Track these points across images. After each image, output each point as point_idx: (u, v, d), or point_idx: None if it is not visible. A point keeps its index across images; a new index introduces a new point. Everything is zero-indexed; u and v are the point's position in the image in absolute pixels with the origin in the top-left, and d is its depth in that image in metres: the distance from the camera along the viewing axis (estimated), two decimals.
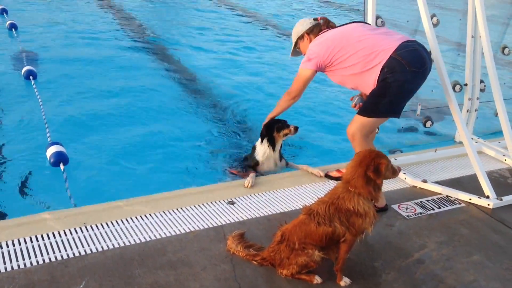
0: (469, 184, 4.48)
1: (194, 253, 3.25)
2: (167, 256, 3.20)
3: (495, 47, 5.43)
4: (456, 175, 4.74)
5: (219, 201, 3.97)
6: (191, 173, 5.21)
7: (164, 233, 3.46)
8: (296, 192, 4.22)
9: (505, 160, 5.06)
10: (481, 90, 5.27)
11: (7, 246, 3.20)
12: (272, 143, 4.68)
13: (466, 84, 5.18)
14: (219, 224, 3.63)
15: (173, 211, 3.77)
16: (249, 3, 16.86)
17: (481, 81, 5.23)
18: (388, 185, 4.34)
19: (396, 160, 4.78)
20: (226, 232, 3.48)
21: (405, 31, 4.47)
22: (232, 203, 3.97)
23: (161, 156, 5.59)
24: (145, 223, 3.57)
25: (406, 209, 4.04)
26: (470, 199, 4.21)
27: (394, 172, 3.06)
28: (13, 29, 10.51)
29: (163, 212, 3.74)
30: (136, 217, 3.64)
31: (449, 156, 5.14)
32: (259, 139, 4.76)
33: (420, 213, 3.99)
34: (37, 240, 3.28)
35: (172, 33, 12.13)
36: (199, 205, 3.89)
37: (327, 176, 4.54)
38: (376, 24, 4.40)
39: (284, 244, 3.01)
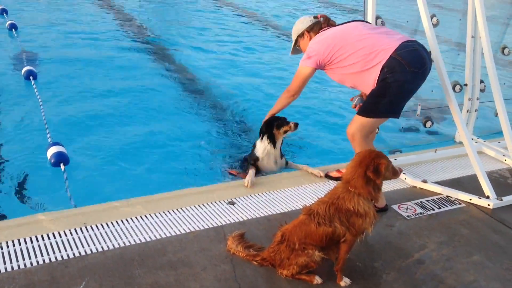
0: (469, 184, 4.48)
1: (194, 254, 3.25)
2: (167, 257, 3.20)
3: (495, 47, 5.44)
4: (456, 175, 4.74)
5: (219, 201, 3.97)
6: (191, 174, 5.21)
7: (164, 234, 3.46)
8: (296, 193, 4.23)
9: (505, 160, 5.06)
10: (481, 91, 5.27)
11: (7, 246, 3.21)
12: (272, 140, 4.66)
13: (466, 84, 5.18)
14: (219, 224, 3.63)
15: (173, 211, 3.77)
16: (249, 4, 16.85)
17: (481, 81, 5.23)
18: (388, 185, 4.34)
19: (396, 160, 4.78)
20: (226, 233, 3.48)
21: (405, 31, 4.48)
22: (232, 203, 3.97)
23: (161, 156, 5.59)
24: (145, 224, 3.58)
25: (406, 209, 4.04)
26: (470, 199, 4.21)
27: (394, 173, 3.05)
28: (13, 29, 10.51)
29: (163, 212, 3.74)
30: (136, 218, 3.64)
31: (449, 156, 5.14)
32: (260, 137, 4.75)
33: (420, 213, 3.99)
34: (37, 241, 3.28)
35: (172, 33, 12.13)
36: (199, 205, 3.89)
37: (327, 176, 4.54)
38: (376, 24, 4.40)
39: (284, 245, 3.01)
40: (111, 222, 3.55)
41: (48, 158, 5.00)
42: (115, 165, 5.33)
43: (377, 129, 4.45)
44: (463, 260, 3.42)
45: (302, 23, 4.15)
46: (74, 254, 3.17)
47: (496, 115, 4.89)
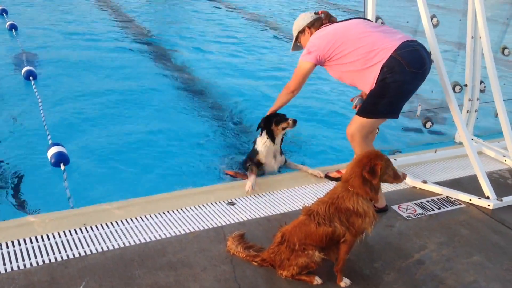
0: (469, 184, 4.48)
1: (194, 254, 3.25)
2: (167, 257, 3.20)
3: (495, 47, 5.43)
4: (456, 175, 4.74)
5: (219, 202, 3.97)
6: (191, 174, 5.20)
7: (164, 234, 3.46)
8: (296, 193, 4.22)
9: (505, 160, 5.06)
10: (481, 91, 5.27)
11: (7, 247, 3.21)
12: (271, 136, 4.63)
13: (466, 85, 5.18)
14: (219, 225, 3.63)
15: (173, 211, 3.77)
16: (249, 4, 16.85)
17: (481, 82, 5.23)
18: (388, 186, 4.34)
19: (396, 160, 4.78)
20: (226, 233, 3.48)
21: (405, 31, 4.46)
22: (232, 203, 3.97)
23: (161, 157, 5.58)
24: (145, 224, 3.58)
25: (406, 209, 4.04)
26: (470, 199, 4.21)
27: (395, 177, 3.03)
28: (13, 30, 10.51)
29: (163, 213, 3.74)
30: (136, 218, 3.64)
31: (449, 156, 5.14)
32: (259, 133, 4.73)
33: (420, 214, 3.99)
34: (37, 241, 3.28)
35: (171, 33, 12.13)
36: (199, 206, 3.89)
37: (327, 177, 4.54)
38: None
39: (284, 245, 3.01)
40: (111, 223, 3.56)
41: (49, 158, 5.00)
42: (115, 165, 5.32)
43: (377, 130, 4.45)
44: (463, 260, 3.42)
45: (303, 19, 4.14)
46: (74, 254, 3.17)
47: (496, 115, 4.89)
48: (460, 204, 4.20)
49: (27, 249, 3.19)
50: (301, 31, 4.15)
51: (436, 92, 4.87)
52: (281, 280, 3.05)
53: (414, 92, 3.85)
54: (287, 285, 3.03)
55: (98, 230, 3.46)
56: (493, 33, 5.19)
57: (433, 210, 4.07)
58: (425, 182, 4.43)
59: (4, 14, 12.09)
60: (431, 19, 4.42)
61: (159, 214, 3.72)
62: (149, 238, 3.41)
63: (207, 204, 3.92)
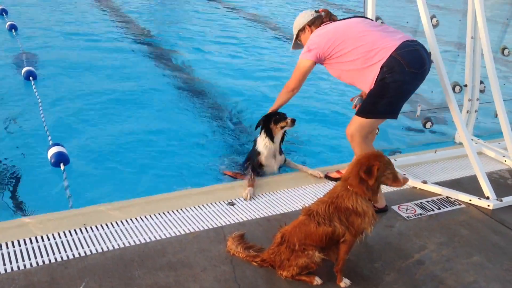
0: (469, 185, 4.48)
1: (194, 254, 3.25)
2: (167, 257, 3.20)
3: (495, 48, 5.44)
4: (456, 176, 4.74)
5: (219, 202, 3.97)
6: (191, 174, 5.20)
7: (164, 234, 3.46)
8: (296, 193, 4.23)
9: (505, 161, 5.06)
10: (481, 91, 5.27)
11: (7, 247, 3.21)
12: (269, 135, 4.60)
13: (466, 85, 5.18)
14: (219, 225, 3.63)
15: (173, 212, 3.77)
16: (249, 5, 16.85)
17: (481, 82, 5.23)
18: (388, 186, 4.33)
19: (396, 161, 4.78)
20: (226, 233, 3.48)
21: (405, 31, 4.46)
22: (232, 204, 3.97)
23: (161, 157, 5.59)
24: (145, 224, 3.57)
25: (406, 210, 4.04)
26: (470, 200, 4.21)
27: (395, 180, 3.00)
28: (13, 30, 10.51)
29: (163, 213, 3.74)
30: (136, 218, 3.64)
31: (449, 157, 5.14)
32: (259, 132, 4.70)
33: (420, 214, 3.99)
34: (37, 241, 3.28)
35: (171, 34, 12.13)
36: (199, 206, 3.89)
37: (327, 177, 4.54)
38: None
39: (284, 246, 3.01)
40: (111, 223, 3.55)
41: (48, 158, 5.00)
42: (114, 166, 5.33)
43: (377, 130, 4.45)
44: (463, 260, 3.42)
45: (303, 17, 4.13)
46: (74, 255, 3.16)
47: (496, 115, 4.89)
48: (460, 204, 4.20)
49: (27, 249, 3.19)
50: (302, 29, 4.14)
51: (436, 93, 4.86)
52: (281, 281, 3.05)
53: (413, 92, 3.85)
54: (287, 285, 3.03)
55: (98, 230, 3.46)
56: (493, 34, 5.20)
57: (433, 210, 4.07)
58: (425, 182, 4.43)
59: (4, 14, 12.09)
60: (431, 20, 4.42)
61: (159, 214, 3.72)
62: (149, 238, 3.41)
63: (207, 205, 3.92)
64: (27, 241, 3.28)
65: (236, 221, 3.71)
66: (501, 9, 6.00)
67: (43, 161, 5.08)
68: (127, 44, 10.57)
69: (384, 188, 4.12)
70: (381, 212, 3.87)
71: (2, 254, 3.13)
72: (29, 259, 3.09)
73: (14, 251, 3.16)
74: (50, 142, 5.26)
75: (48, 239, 3.31)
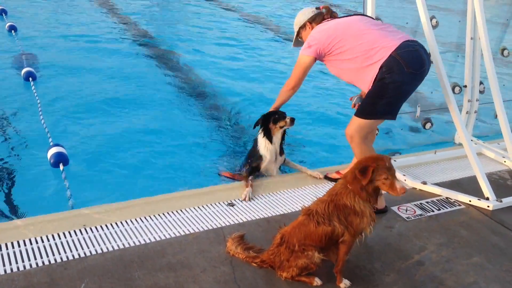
0: (469, 185, 4.48)
1: (194, 255, 3.25)
2: (166, 258, 3.20)
3: (495, 48, 5.44)
4: (456, 176, 4.74)
5: (219, 203, 3.97)
6: (190, 175, 5.21)
7: (164, 235, 3.46)
8: (296, 194, 4.22)
9: (505, 161, 5.06)
10: (481, 92, 5.26)
11: (7, 248, 3.20)
12: (268, 134, 4.51)
13: (465, 86, 5.18)
14: (219, 226, 3.63)
15: (172, 213, 3.77)
16: (249, 6, 16.85)
17: (481, 83, 5.23)
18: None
19: (395, 161, 4.78)
20: (226, 234, 3.48)
21: (404, 32, 4.47)
22: (232, 205, 3.96)
23: (161, 158, 5.59)
24: (145, 225, 3.57)
25: (406, 210, 4.04)
26: (470, 200, 4.21)
27: (391, 187, 2.91)
28: (13, 31, 10.52)
29: (163, 214, 3.74)
30: (135, 219, 3.64)
31: (448, 157, 5.14)
32: (259, 131, 4.62)
33: (420, 215, 3.99)
34: (37, 242, 3.28)
35: (171, 35, 12.13)
36: (198, 207, 3.88)
37: (327, 178, 4.54)
38: None
39: (283, 246, 3.01)
40: (111, 224, 3.55)
41: (48, 158, 5.00)
42: (114, 167, 5.33)
43: (376, 131, 4.45)
44: (463, 261, 3.42)
45: (304, 14, 4.11)
46: (73, 256, 3.16)
47: (496, 116, 4.89)
48: (459, 205, 4.20)
49: (26, 250, 3.19)
50: (302, 26, 4.13)
51: (435, 93, 4.86)
52: (280, 281, 3.05)
53: (412, 93, 3.85)
54: (287, 286, 3.03)
55: (97, 231, 3.46)
56: (493, 34, 5.20)
57: (433, 211, 4.07)
58: (424, 183, 4.43)
59: (4, 15, 12.09)
60: (431, 20, 4.42)
61: (158, 215, 3.72)
62: (149, 239, 3.40)
63: (206, 205, 3.92)
64: (27, 242, 3.28)
65: (236, 222, 3.71)
66: (500, 9, 6.00)
67: (42, 161, 5.08)
68: (127, 45, 10.58)
69: None
70: (380, 213, 3.88)
71: (2, 255, 3.13)
72: (29, 260, 3.09)
73: (14, 252, 3.16)
74: (51, 143, 5.26)
75: (48, 240, 3.31)
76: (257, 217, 3.79)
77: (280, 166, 4.79)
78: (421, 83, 3.84)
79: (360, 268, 3.25)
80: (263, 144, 4.58)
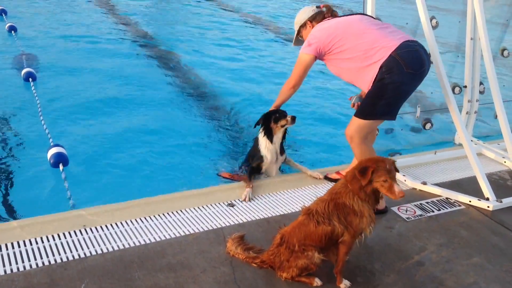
0: (469, 186, 4.48)
1: (194, 256, 3.25)
2: (166, 259, 3.20)
3: (495, 49, 5.43)
4: (456, 177, 4.74)
5: (219, 203, 3.97)
6: (190, 175, 5.21)
7: (164, 236, 3.46)
8: (296, 195, 4.22)
9: (505, 162, 5.06)
10: (481, 92, 5.27)
11: (7, 248, 3.20)
12: (269, 134, 4.48)
13: (465, 86, 5.18)
14: (219, 226, 3.63)
15: (172, 213, 3.77)
16: (249, 7, 16.85)
17: (481, 83, 5.23)
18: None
19: (395, 162, 4.76)
20: (226, 235, 3.48)
21: (404, 32, 4.47)
22: (232, 205, 3.96)
23: (160, 158, 5.59)
24: (145, 226, 3.57)
25: (406, 211, 4.04)
26: (470, 201, 4.21)
27: (389, 190, 2.89)
28: (13, 31, 10.52)
29: (163, 214, 3.74)
30: (135, 220, 3.64)
31: (448, 158, 5.14)
32: (259, 130, 4.58)
33: (420, 215, 3.99)
34: (37, 243, 3.28)
35: (171, 36, 12.13)
36: (198, 208, 3.88)
37: (327, 178, 4.54)
38: None
39: (283, 247, 3.01)
40: (111, 224, 3.55)
41: (48, 158, 5.00)
42: (114, 167, 5.33)
43: (377, 131, 4.45)
44: (463, 262, 3.42)
45: (304, 13, 4.11)
46: (73, 256, 3.16)
47: (496, 117, 4.89)
48: (459, 205, 4.20)
49: (26, 251, 3.19)
50: (303, 25, 4.12)
51: (435, 94, 4.86)
52: (280, 282, 3.05)
53: (411, 93, 3.85)
54: (287, 286, 3.03)
55: (97, 231, 3.46)
56: (492, 34, 5.20)
57: (433, 211, 4.07)
58: (424, 183, 4.43)
59: (3, 15, 12.09)
60: (430, 21, 4.42)
61: (158, 215, 3.72)
62: (149, 239, 3.40)
63: (206, 206, 3.92)
64: (27, 242, 3.28)
65: (236, 222, 3.71)
66: (500, 10, 6.00)
67: (42, 162, 5.08)
68: (127, 46, 10.58)
69: None
70: (380, 213, 3.88)
71: (2, 256, 3.12)
72: (29, 260, 3.09)
73: (14, 253, 3.16)
74: (51, 143, 5.26)
75: (48, 241, 3.31)
76: (257, 218, 3.79)
77: (280, 166, 4.78)
78: (421, 83, 3.84)
79: (360, 269, 3.25)
80: (263, 144, 4.55)
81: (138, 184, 5.00)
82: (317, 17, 4.06)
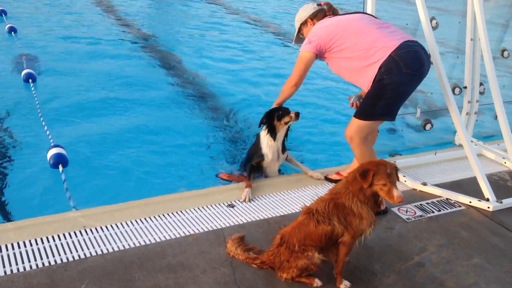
0: (469, 186, 4.48)
1: (194, 256, 3.25)
2: (166, 259, 3.20)
3: (495, 49, 5.43)
4: (456, 177, 4.74)
5: (219, 204, 3.97)
6: (191, 176, 5.21)
7: (164, 236, 3.46)
8: (296, 195, 4.22)
9: (505, 162, 5.06)
10: (481, 93, 5.27)
11: (7, 249, 3.20)
12: (272, 132, 4.44)
13: (465, 87, 5.18)
14: (219, 227, 3.63)
15: (172, 214, 3.77)
16: (250, 8, 16.85)
17: (481, 84, 5.23)
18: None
19: (395, 163, 4.75)
20: (226, 235, 3.48)
21: (405, 32, 4.47)
22: (232, 206, 3.96)
23: (160, 159, 5.59)
24: (145, 226, 3.57)
25: (406, 211, 4.04)
26: (470, 202, 4.21)
27: (389, 194, 2.88)
28: (13, 32, 10.52)
29: (163, 215, 3.74)
30: (135, 220, 3.64)
31: (449, 158, 5.14)
32: (262, 128, 4.54)
33: (420, 216, 3.99)
34: (37, 244, 3.28)
35: (170, 37, 12.13)
36: (198, 208, 3.88)
37: (327, 179, 4.54)
38: None
39: (283, 247, 3.01)
40: (111, 225, 3.55)
41: (48, 159, 4.99)
42: (114, 168, 5.33)
43: (377, 132, 4.45)
44: (463, 262, 3.42)
45: (305, 10, 4.11)
46: (73, 257, 3.16)
47: (496, 117, 4.89)
48: (460, 206, 4.20)
49: (26, 251, 3.19)
50: (304, 23, 4.12)
51: (435, 94, 4.86)
52: (281, 283, 3.04)
53: (411, 94, 3.84)
54: (287, 287, 3.02)
55: (97, 232, 3.46)
56: (493, 35, 5.19)
57: (433, 212, 4.07)
58: (425, 184, 4.43)
59: (3, 16, 12.09)
60: (430, 21, 4.42)
61: (158, 216, 3.72)
62: (149, 240, 3.40)
63: (206, 206, 3.92)
64: (27, 243, 3.28)
65: (236, 223, 3.71)
66: (500, 10, 6.00)
67: (42, 163, 5.08)
68: (127, 47, 10.57)
69: None
70: (381, 214, 3.87)
71: (2, 257, 3.12)
72: (29, 261, 3.09)
73: (14, 254, 3.16)
74: (52, 143, 5.26)
75: (48, 241, 3.31)
76: (257, 218, 3.79)
77: (280, 165, 4.76)
78: (420, 83, 3.84)
79: (360, 269, 3.25)
80: (265, 142, 4.51)
81: (138, 185, 5.00)
82: (318, 14, 4.06)
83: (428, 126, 5.05)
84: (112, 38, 11.10)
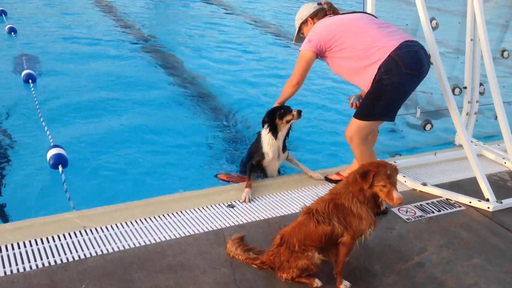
0: (469, 187, 4.48)
1: (194, 257, 3.25)
2: (166, 260, 3.20)
3: (495, 49, 5.43)
4: (456, 178, 4.74)
5: (219, 205, 3.97)
6: (190, 176, 5.21)
7: (164, 237, 3.45)
8: (296, 196, 4.22)
9: (505, 163, 5.06)
10: (481, 93, 5.26)
11: (7, 250, 3.20)
12: (274, 131, 4.42)
13: (465, 87, 5.18)
14: (219, 227, 3.63)
15: (172, 214, 3.77)
16: (250, 9, 16.85)
17: (481, 84, 5.23)
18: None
19: (396, 163, 4.76)
20: (226, 236, 3.48)
21: (405, 32, 4.47)
22: (232, 206, 3.96)
23: (160, 159, 5.59)
24: (145, 227, 3.57)
25: (406, 212, 4.04)
26: (470, 202, 4.21)
27: (388, 195, 2.87)
28: (13, 33, 10.51)
29: (163, 215, 3.74)
30: (135, 221, 3.64)
31: (448, 159, 5.14)
32: (263, 127, 4.52)
33: (420, 216, 3.99)
34: (37, 244, 3.28)
35: (170, 37, 12.12)
36: (198, 209, 3.88)
37: (327, 179, 4.53)
38: None
39: (283, 247, 3.01)
40: (111, 226, 3.55)
41: (48, 159, 4.99)
42: (114, 168, 5.33)
43: (377, 132, 4.44)
44: (463, 263, 3.42)
45: (305, 9, 4.11)
46: (73, 257, 3.16)
47: (496, 117, 4.89)
48: (460, 206, 4.20)
49: (26, 252, 3.19)
50: (304, 22, 4.12)
51: (435, 94, 4.86)
52: (281, 283, 3.04)
53: (410, 94, 3.84)
54: (287, 287, 3.02)
55: (97, 233, 3.46)
56: (492, 35, 5.19)
57: (433, 212, 4.07)
58: (425, 184, 4.43)
59: (3, 16, 12.09)
60: (430, 22, 4.42)
61: (158, 216, 3.72)
62: (149, 240, 3.40)
63: (206, 207, 3.92)
64: (27, 243, 3.28)
65: (236, 223, 3.71)
66: (500, 11, 6.00)
67: (42, 163, 5.08)
68: (127, 47, 10.57)
69: None
70: (381, 214, 3.87)
71: (2, 257, 3.12)
72: (29, 261, 3.09)
73: (14, 254, 3.16)
74: (52, 144, 5.26)
75: (48, 242, 3.31)
76: (257, 219, 3.79)
77: (280, 164, 4.75)
78: (419, 84, 3.84)
79: (360, 270, 3.25)
80: (267, 141, 4.49)
81: (138, 185, 5.00)
82: (319, 14, 4.06)
83: (428, 127, 5.04)
84: (112, 39, 11.09)
